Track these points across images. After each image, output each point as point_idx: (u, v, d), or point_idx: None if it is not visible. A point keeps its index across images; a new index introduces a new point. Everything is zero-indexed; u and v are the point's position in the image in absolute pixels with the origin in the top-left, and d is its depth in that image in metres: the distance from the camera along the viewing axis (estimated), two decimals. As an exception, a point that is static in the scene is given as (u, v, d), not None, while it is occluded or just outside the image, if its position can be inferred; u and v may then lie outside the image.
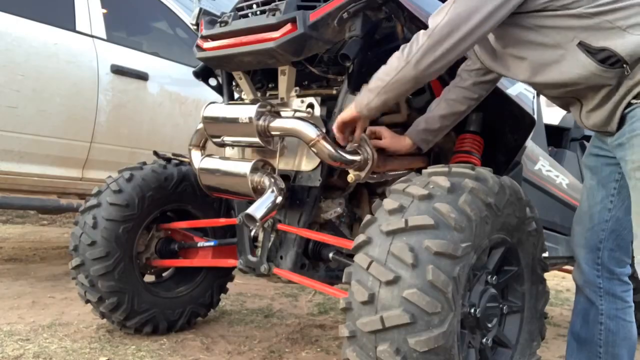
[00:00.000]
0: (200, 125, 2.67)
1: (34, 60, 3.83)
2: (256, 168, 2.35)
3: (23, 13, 3.85)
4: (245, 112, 2.33)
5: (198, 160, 2.63)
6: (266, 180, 2.30)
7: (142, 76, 4.41)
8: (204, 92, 4.18)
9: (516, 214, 2.07)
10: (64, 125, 3.98)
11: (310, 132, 2.18)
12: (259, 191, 2.31)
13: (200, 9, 2.63)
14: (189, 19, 4.68)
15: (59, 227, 7.28)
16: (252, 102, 2.45)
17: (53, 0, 4.18)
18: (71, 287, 3.89)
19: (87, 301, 2.93)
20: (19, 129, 3.79)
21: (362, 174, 2.21)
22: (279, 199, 2.27)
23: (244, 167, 2.37)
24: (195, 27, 2.64)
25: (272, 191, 2.26)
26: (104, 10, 4.33)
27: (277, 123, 2.29)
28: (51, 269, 4.63)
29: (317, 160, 2.35)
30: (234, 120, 2.38)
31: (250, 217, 2.20)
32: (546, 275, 2.32)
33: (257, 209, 2.21)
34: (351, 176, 2.24)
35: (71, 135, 4.03)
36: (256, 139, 2.34)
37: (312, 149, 2.19)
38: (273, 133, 2.32)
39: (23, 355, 2.66)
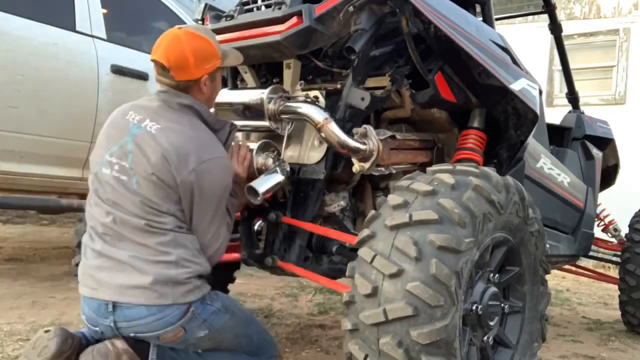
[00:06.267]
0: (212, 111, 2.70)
1: (34, 60, 3.82)
2: (262, 149, 2.37)
3: (23, 13, 3.84)
4: (257, 95, 2.36)
5: None
6: (270, 161, 2.32)
7: (142, 76, 4.40)
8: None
9: (519, 214, 2.09)
10: (64, 125, 3.97)
11: (319, 115, 2.20)
12: (263, 172, 2.33)
13: (206, 4, 2.66)
14: (189, 19, 4.72)
15: (59, 227, 7.26)
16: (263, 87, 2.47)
17: (53, 0, 4.17)
18: (71, 287, 3.87)
19: (88, 299, 2.91)
20: (19, 129, 3.78)
21: (367, 165, 2.21)
22: (282, 178, 2.28)
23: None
24: (200, 23, 2.66)
25: (276, 170, 2.28)
26: (104, 10, 4.32)
27: (287, 106, 2.31)
28: (51, 269, 4.62)
29: (322, 153, 2.36)
30: (246, 104, 2.42)
31: (253, 190, 2.22)
32: (546, 275, 2.33)
33: (261, 183, 2.23)
34: (356, 167, 2.24)
35: (71, 135, 4.02)
36: (265, 123, 2.37)
37: (320, 132, 2.20)
38: (283, 116, 2.34)
39: (23, 355, 2.65)
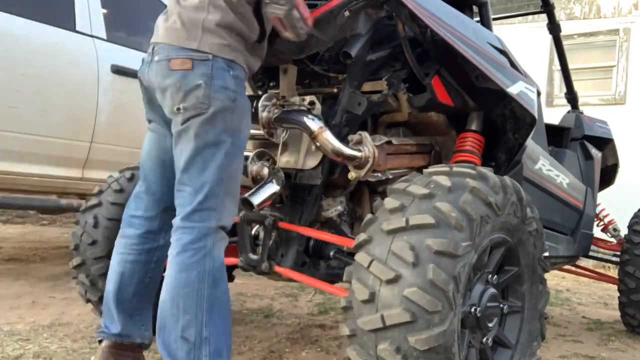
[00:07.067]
0: None
1: (34, 60, 3.82)
2: (256, 158, 2.37)
3: (23, 13, 3.84)
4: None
5: None
6: (265, 170, 2.32)
7: (143, 76, 4.40)
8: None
9: (517, 214, 2.08)
10: (64, 125, 3.97)
11: (314, 124, 2.20)
12: (258, 182, 2.33)
13: None
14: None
15: (59, 227, 7.28)
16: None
17: (53, 0, 4.18)
18: (71, 287, 3.88)
19: (88, 300, 2.92)
20: (19, 129, 3.78)
21: (363, 172, 2.22)
22: (278, 188, 2.28)
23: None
24: None
25: (272, 181, 2.28)
26: (104, 10, 4.32)
27: (281, 115, 2.31)
28: (51, 269, 4.63)
29: (319, 158, 2.36)
30: None
31: (247, 202, 2.21)
32: (546, 275, 2.33)
33: (255, 195, 2.24)
34: (352, 174, 2.24)
35: (71, 135, 4.03)
36: (259, 131, 2.36)
37: (315, 141, 2.20)
38: (277, 125, 2.34)
39: (23, 355, 2.65)
